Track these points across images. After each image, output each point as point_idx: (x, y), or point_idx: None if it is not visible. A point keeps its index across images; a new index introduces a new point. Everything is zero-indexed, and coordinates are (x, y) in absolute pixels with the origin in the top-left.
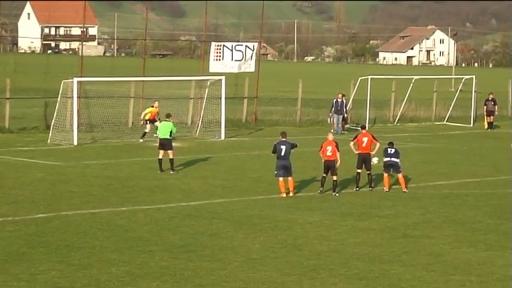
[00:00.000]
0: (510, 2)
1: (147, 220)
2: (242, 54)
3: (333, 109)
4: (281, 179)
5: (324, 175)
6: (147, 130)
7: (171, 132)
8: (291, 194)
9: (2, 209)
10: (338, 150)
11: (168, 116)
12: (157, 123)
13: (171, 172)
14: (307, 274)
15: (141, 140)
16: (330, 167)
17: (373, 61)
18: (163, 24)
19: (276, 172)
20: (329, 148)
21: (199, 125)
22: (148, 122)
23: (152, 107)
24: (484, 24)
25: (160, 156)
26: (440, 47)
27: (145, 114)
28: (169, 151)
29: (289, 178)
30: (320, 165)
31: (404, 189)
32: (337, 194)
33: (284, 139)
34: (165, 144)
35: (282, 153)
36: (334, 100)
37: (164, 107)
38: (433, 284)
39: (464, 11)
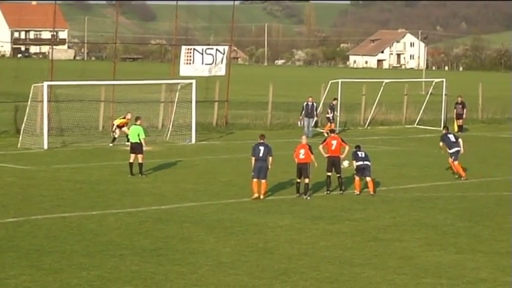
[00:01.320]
0: (480, 5)
1: (117, 224)
2: (213, 58)
3: (304, 112)
4: (255, 180)
5: (298, 180)
6: (116, 135)
7: (139, 135)
8: (261, 197)
9: None
10: (312, 153)
11: (137, 119)
12: (124, 128)
13: (140, 176)
14: (278, 278)
15: (110, 145)
16: (302, 170)
17: (344, 64)
18: (134, 28)
19: (252, 173)
20: (302, 151)
21: (170, 128)
22: (117, 127)
23: (124, 118)
24: (454, 28)
25: (131, 160)
26: (410, 51)
27: (117, 125)
28: (138, 155)
29: (263, 181)
30: (291, 169)
31: (372, 193)
32: (308, 198)
33: (262, 141)
34: (135, 148)
35: (260, 155)
36: (305, 103)
37: (135, 111)
38: (404, 287)
39: (434, 15)
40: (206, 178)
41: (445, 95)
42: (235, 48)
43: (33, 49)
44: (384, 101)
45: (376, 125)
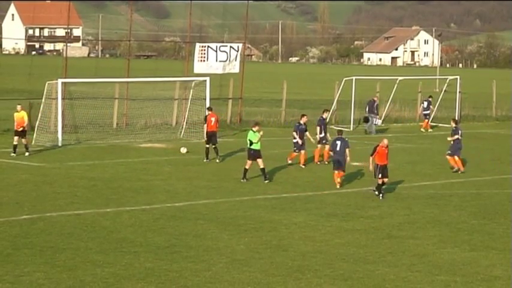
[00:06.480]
0: (494, 3)
1: (131, 221)
2: (226, 55)
3: (367, 109)
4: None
5: (379, 182)
6: (15, 142)
7: (251, 140)
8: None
9: None
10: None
11: (256, 125)
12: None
13: (264, 181)
14: (292, 275)
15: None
16: (384, 170)
17: (358, 62)
18: (148, 25)
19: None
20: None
21: (184, 126)
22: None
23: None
24: (468, 25)
25: (246, 166)
26: (424, 48)
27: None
28: (258, 159)
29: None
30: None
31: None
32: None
33: (340, 136)
34: (255, 154)
35: (337, 149)
36: (375, 104)
37: (149, 108)
38: (418, 284)
39: (448, 12)
40: (220, 175)
41: (459, 92)
42: (249, 46)
43: (47, 46)
44: (398, 98)
45: (390, 122)
